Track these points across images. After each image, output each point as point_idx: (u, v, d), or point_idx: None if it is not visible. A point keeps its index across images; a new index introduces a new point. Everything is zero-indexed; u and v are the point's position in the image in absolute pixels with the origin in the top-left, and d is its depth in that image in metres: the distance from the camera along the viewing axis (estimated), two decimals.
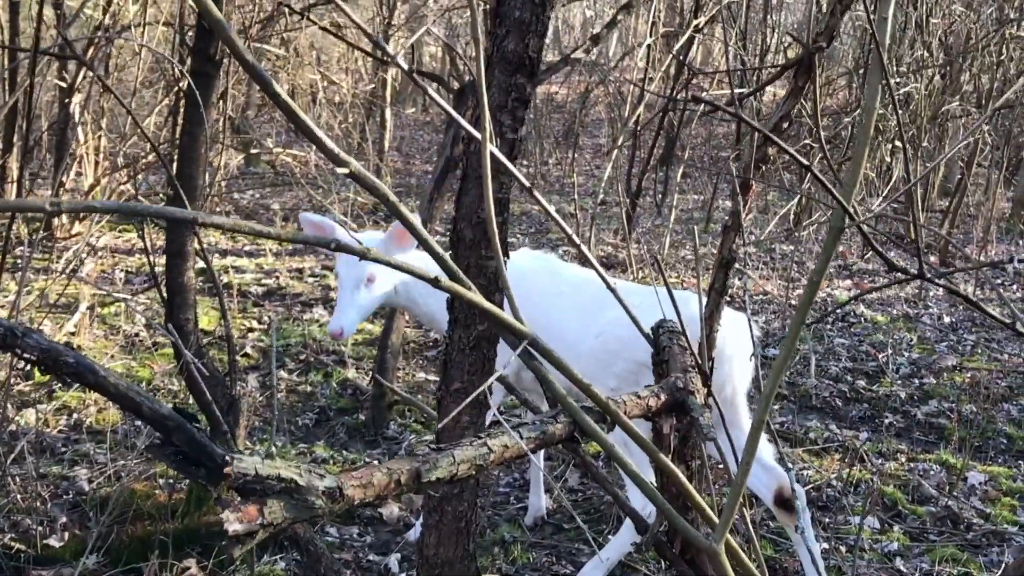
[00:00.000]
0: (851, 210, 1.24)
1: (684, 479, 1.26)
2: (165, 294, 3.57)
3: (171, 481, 3.90)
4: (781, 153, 10.00)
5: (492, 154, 1.46)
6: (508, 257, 2.28)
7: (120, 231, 8.44)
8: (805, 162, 1.40)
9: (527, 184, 1.37)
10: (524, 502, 4.07)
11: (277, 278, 7.39)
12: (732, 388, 3.14)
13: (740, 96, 2.25)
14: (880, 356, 5.99)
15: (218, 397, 3.55)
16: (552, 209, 1.36)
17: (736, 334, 3.16)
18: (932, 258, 9.00)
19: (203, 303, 6.63)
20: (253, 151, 11.03)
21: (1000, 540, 3.79)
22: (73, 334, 5.62)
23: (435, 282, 1.22)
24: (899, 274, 1.49)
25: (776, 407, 5.25)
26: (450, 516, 2.32)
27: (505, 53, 2.06)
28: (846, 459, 4.54)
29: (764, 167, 2.03)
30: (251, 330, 6.21)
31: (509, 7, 2.07)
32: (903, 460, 4.55)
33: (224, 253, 8.07)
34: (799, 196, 8.13)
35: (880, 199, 7.83)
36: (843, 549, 3.68)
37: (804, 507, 3.05)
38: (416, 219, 1.32)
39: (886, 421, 5.07)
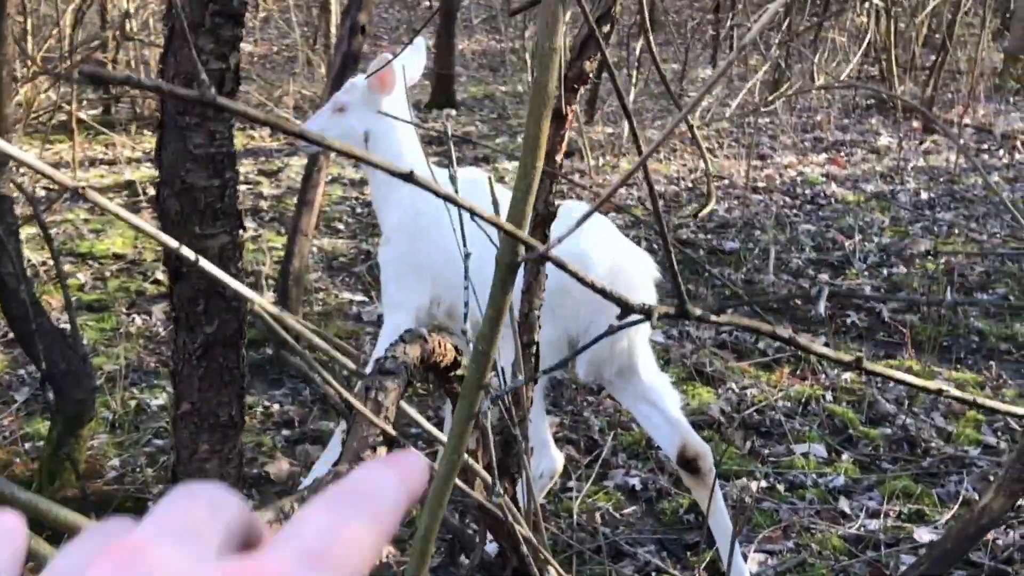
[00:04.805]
0: (522, 244, 0.76)
1: None
2: None
3: (29, 453, 3.50)
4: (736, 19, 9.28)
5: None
6: (244, 229, 1.75)
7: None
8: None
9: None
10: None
11: None
12: (628, 338, 2.66)
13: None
14: (847, 243, 5.50)
15: (58, 359, 3.10)
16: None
17: (632, 271, 2.67)
18: (915, 123, 8.41)
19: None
20: None
21: (960, 466, 3.37)
22: None
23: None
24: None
25: (729, 310, 4.80)
26: (207, 406, 1.77)
27: None
28: (797, 372, 4.11)
29: (583, 87, 1.51)
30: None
31: None
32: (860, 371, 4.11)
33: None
34: (768, 63, 7.49)
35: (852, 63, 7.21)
36: (782, 488, 3.28)
37: (711, 468, 2.60)
38: None
39: (848, 320, 4.62)
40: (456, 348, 1.35)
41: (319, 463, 3.31)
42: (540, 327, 2.57)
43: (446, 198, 0.72)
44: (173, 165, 1.60)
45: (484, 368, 0.79)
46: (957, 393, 1.06)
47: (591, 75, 1.49)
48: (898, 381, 1.05)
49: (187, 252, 0.92)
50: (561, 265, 0.78)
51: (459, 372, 1.34)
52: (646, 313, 0.84)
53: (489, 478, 1.32)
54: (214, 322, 1.65)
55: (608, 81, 9.53)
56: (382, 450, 0.97)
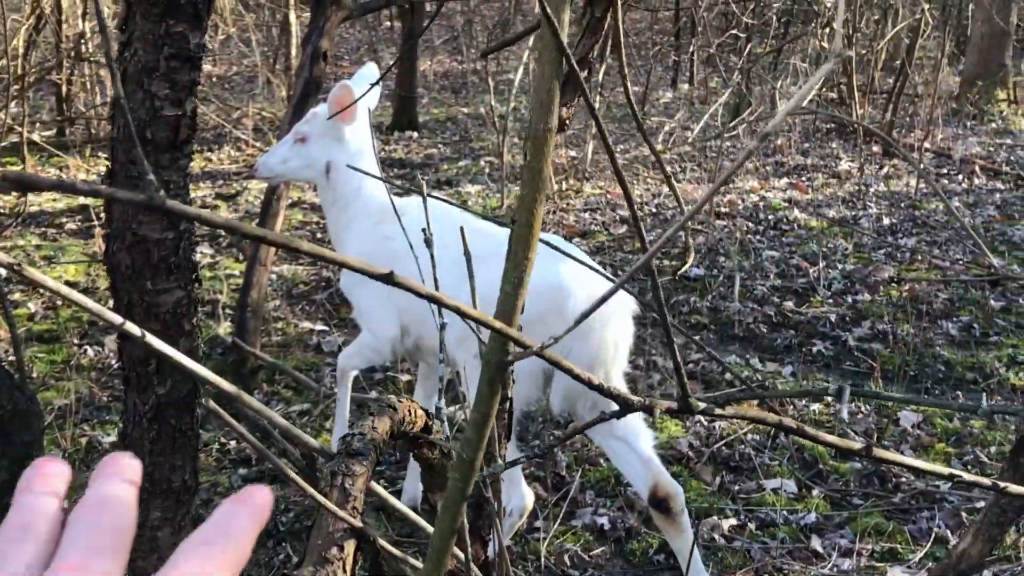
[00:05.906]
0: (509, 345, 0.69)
1: None
2: None
3: None
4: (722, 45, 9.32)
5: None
6: (200, 283, 1.64)
7: None
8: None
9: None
10: (398, 484, 3.57)
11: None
12: (604, 371, 2.60)
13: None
14: (812, 270, 5.49)
15: (3, 399, 2.96)
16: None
17: (610, 302, 2.61)
18: (875, 147, 8.46)
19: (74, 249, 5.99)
20: None
21: (931, 502, 3.34)
22: None
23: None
24: None
25: (695, 337, 4.75)
26: (159, 471, 1.62)
27: None
28: (765, 403, 4.06)
29: (560, 134, 1.44)
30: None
31: None
32: (829, 400, 4.08)
33: None
34: (730, 88, 7.50)
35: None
36: (753, 526, 3.22)
37: (683, 509, 2.53)
38: None
39: (814, 349, 4.59)
40: (427, 413, 1.27)
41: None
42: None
43: (428, 298, 0.65)
44: (123, 217, 1.49)
45: (469, 478, 0.71)
46: (968, 477, 1.00)
47: (568, 121, 1.42)
48: (908, 468, 0.99)
49: (131, 328, 0.83)
50: (555, 363, 0.71)
51: (430, 438, 1.26)
52: (647, 410, 0.77)
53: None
54: (166, 383, 1.55)
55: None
56: (350, 545, 0.88)
